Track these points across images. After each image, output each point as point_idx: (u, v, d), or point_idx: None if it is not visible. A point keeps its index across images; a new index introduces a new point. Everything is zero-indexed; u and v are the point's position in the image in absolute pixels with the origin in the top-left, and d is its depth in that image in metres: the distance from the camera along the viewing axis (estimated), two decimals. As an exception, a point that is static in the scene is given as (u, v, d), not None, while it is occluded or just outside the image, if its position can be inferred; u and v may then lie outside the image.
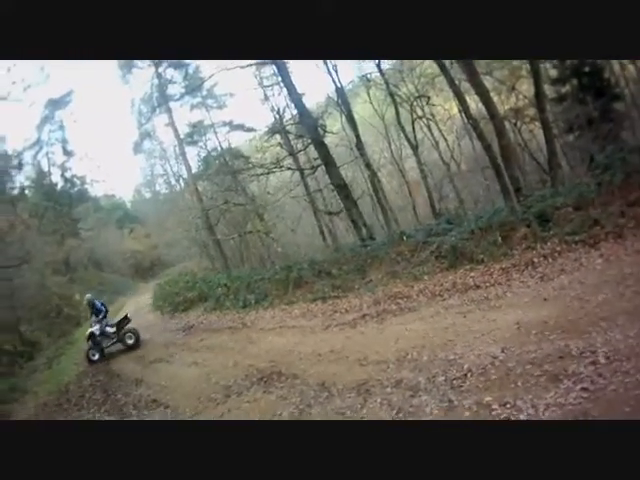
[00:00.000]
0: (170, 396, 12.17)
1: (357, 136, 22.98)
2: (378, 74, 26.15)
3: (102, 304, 20.62)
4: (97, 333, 19.21)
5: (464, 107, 19.21)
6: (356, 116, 24.43)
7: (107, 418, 12.39)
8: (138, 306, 32.91)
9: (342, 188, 21.01)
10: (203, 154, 34.53)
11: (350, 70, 39.98)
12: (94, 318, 19.68)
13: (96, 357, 18.79)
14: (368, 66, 27.16)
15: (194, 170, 33.21)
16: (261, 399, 9.70)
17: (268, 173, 25.91)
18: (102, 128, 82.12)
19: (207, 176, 30.88)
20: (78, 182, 55.68)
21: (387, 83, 25.54)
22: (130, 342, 19.32)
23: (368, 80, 27.09)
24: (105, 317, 19.89)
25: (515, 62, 21.94)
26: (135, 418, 11.57)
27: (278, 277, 19.42)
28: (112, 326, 19.52)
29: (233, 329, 17.43)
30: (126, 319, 20.03)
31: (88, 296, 20.51)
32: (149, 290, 38.18)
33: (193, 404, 10.92)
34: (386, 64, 25.98)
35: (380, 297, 14.07)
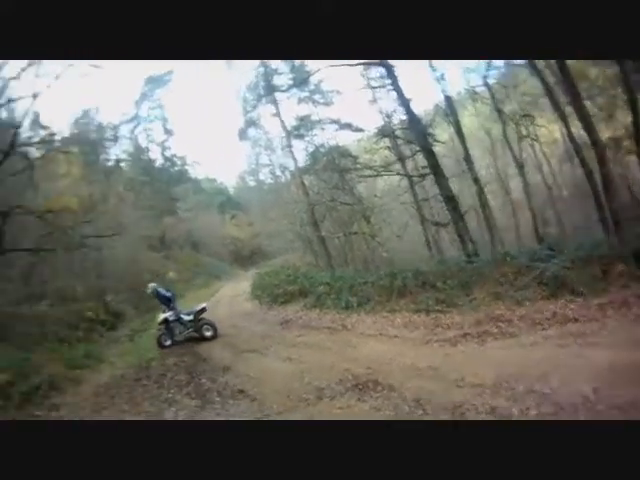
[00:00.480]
0: (258, 389, 12.11)
1: (465, 149, 22.80)
2: (483, 88, 25.89)
3: (168, 290, 21.06)
4: (171, 319, 19.74)
5: (568, 131, 19.12)
6: (463, 128, 24.09)
7: (188, 401, 12.48)
8: (235, 292, 33.58)
9: (450, 200, 20.95)
10: (310, 149, 34.50)
11: (456, 80, 39.70)
12: (164, 307, 20.17)
13: (168, 343, 19.34)
14: (474, 78, 27.30)
15: (300, 164, 33.53)
16: (354, 407, 9.59)
17: (377, 176, 26.20)
18: (205, 111, 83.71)
19: (314, 171, 31.00)
20: (178, 162, 56.90)
21: (493, 98, 25.36)
22: (208, 334, 19.73)
23: (475, 93, 26.75)
24: (173, 302, 20.26)
25: (612, 90, 21.68)
26: (218, 406, 11.59)
27: (382, 283, 19.24)
28: (188, 314, 19.99)
29: (332, 329, 17.32)
30: (203, 310, 20.42)
31: (152, 285, 20.96)
32: (247, 278, 38.82)
33: (282, 401, 10.82)
34: (491, 79, 25.88)
35: (482, 317, 13.88)
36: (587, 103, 18.78)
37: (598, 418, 6.87)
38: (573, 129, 19.46)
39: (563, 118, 19.19)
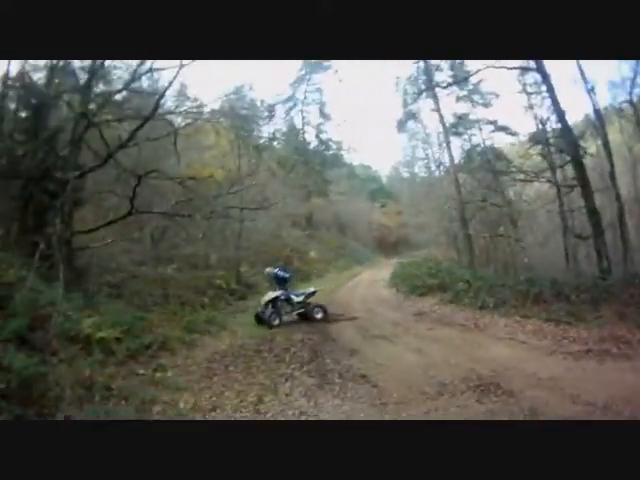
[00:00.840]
0: (382, 376, 12.17)
1: (612, 164, 22.54)
2: (628, 105, 25.28)
3: (286, 271, 21.71)
4: (282, 298, 20.51)
5: None
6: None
7: (306, 378, 12.59)
8: (374, 278, 34.40)
9: (593, 214, 20.78)
10: (466, 147, 35.01)
11: (602, 95, 38.55)
12: (277, 287, 20.86)
13: (277, 322, 19.76)
14: (620, 93, 26.78)
15: (456, 161, 33.65)
16: (471, 407, 9.58)
17: (529, 181, 26.38)
18: (363, 99, 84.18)
19: (469, 170, 31.56)
20: (334, 146, 58.29)
21: (637, 115, 24.70)
22: (318, 316, 20.57)
23: (621, 110, 26.35)
24: (288, 283, 21.21)
25: None
26: (337, 387, 11.65)
27: (520, 288, 19.38)
28: (298, 296, 20.63)
29: (464, 328, 17.47)
30: (314, 293, 21.15)
31: (268, 270, 21.75)
32: (388, 266, 39.59)
33: (402, 391, 10.86)
34: (635, 96, 25.13)
35: (606, 336, 13.73)
36: None
37: None
38: None
39: None
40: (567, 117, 21.86)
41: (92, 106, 18.55)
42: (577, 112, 45.93)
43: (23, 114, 19.82)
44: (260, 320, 19.97)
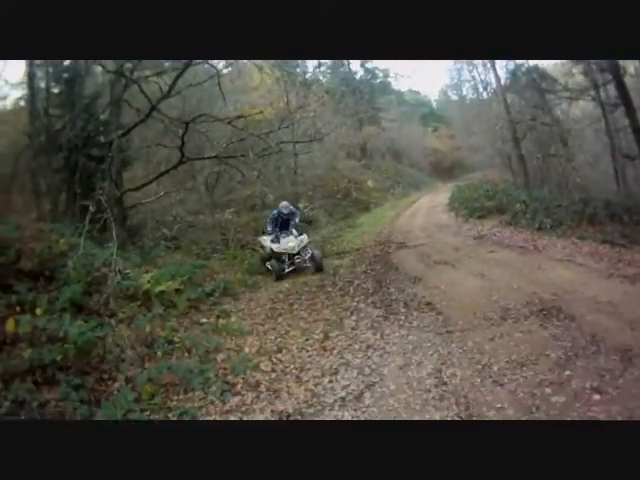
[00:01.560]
0: (446, 303, 12.17)
1: None
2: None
3: (295, 207, 20.43)
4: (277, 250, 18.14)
5: None
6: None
7: (371, 310, 12.60)
8: (432, 204, 34.47)
9: (639, 133, 20.42)
10: (511, 67, 34.07)
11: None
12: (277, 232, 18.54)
13: (285, 271, 17.82)
14: None
15: (502, 81, 32.68)
16: (535, 332, 9.53)
17: (574, 99, 25.87)
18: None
19: (516, 89, 30.51)
20: (380, 74, 57.45)
21: None
22: (309, 265, 18.25)
23: None
24: (294, 221, 19.08)
25: None
26: (402, 317, 11.62)
27: (575, 208, 19.22)
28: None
29: (524, 250, 17.43)
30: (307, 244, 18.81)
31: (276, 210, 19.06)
32: (445, 190, 39.64)
33: (468, 318, 10.85)
34: None
35: None
36: None
37: None
38: None
39: None
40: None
41: (128, 65, 18.19)
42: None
43: (56, 90, 19.89)
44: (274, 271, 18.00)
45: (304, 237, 18.84)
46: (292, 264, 18.25)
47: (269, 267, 18.20)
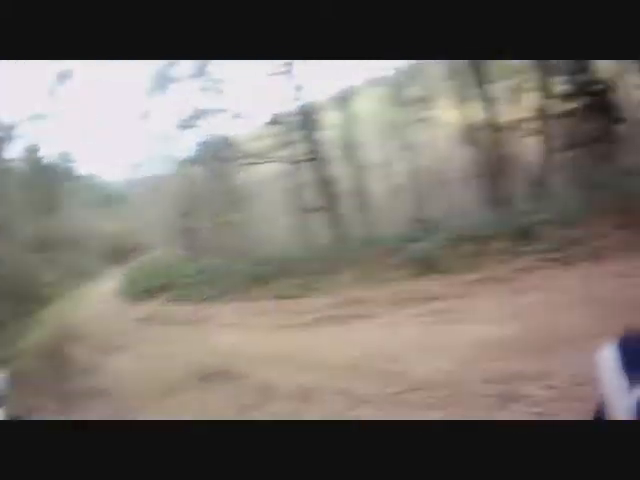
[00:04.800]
0: (118, 387, 11.89)
1: (353, 134, 23.61)
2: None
3: None
4: None
5: (466, 113, 19.86)
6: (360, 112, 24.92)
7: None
8: (102, 291, 35.34)
9: (327, 184, 21.43)
10: (198, 140, 33.61)
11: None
12: None
13: None
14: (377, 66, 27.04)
15: (189, 154, 32.96)
16: (208, 396, 9.56)
17: (258, 163, 26.49)
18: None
19: (198, 162, 31.32)
20: (62, 160, 55.95)
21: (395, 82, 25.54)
22: None
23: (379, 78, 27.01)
24: None
25: (524, 74, 21.89)
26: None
27: (249, 271, 19.30)
28: None
29: (191, 322, 17.25)
30: None
31: None
32: (119, 275, 38.80)
33: (138, 398, 10.57)
34: (392, 65, 25.42)
35: (343, 300, 13.60)
36: (495, 86, 19.52)
37: (459, 393, 6.71)
38: (474, 112, 19.90)
39: (464, 100, 20.04)
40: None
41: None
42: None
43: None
44: None
45: None
46: None
47: None
